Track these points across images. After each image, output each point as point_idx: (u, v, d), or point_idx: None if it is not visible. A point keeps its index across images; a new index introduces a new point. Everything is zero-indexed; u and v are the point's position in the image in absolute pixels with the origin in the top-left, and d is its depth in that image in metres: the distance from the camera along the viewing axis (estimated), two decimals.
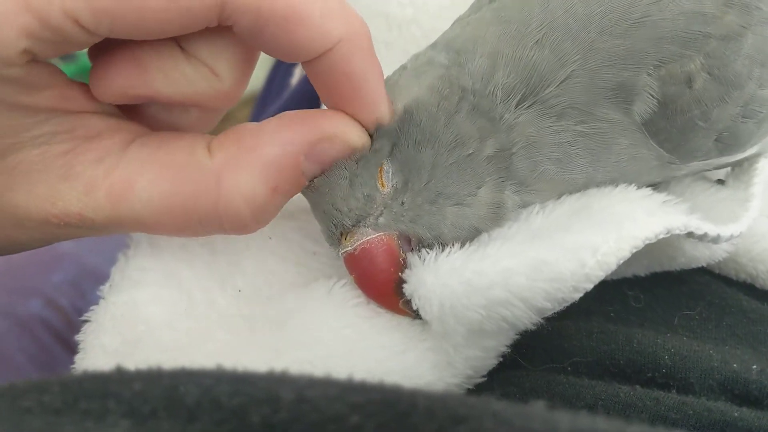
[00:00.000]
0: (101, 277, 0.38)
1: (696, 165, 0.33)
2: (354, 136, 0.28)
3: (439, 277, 0.28)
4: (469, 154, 0.30)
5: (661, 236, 0.28)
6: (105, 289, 0.32)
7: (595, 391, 0.29)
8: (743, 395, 0.30)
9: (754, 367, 0.31)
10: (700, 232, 0.29)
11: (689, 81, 0.30)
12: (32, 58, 0.24)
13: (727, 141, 0.32)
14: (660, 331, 0.32)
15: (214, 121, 0.31)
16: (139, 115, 0.30)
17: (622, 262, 0.26)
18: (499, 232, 0.31)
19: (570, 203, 0.32)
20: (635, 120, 0.30)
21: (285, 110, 0.28)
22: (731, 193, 0.34)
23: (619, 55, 0.29)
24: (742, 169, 0.36)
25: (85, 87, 0.28)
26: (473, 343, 0.30)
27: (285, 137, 0.27)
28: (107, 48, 0.26)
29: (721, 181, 0.37)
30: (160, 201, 0.26)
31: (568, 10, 0.30)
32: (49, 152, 0.27)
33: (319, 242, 0.35)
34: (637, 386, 0.30)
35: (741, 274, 0.37)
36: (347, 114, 0.28)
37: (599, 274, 0.26)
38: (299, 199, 0.32)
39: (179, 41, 0.26)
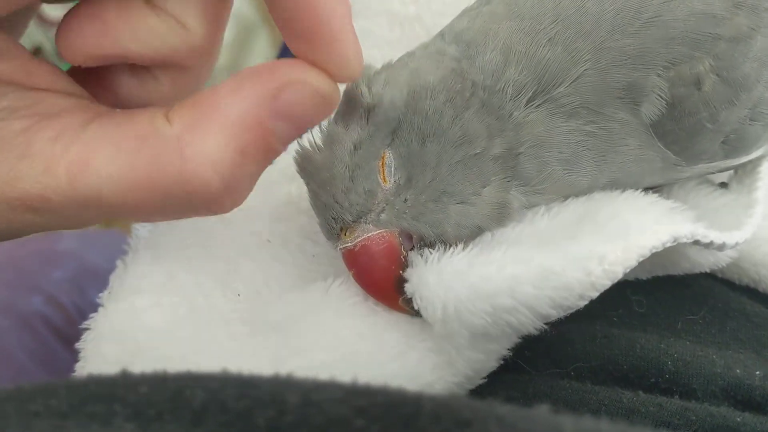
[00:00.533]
0: (101, 275, 0.38)
1: (701, 168, 0.33)
2: (320, 81, 0.25)
3: (442, 279, 0.28)
4: (476, 153, 0.30)
5: (668, 245, 0.27)
6: (104, 296, 0.32)
7: (598, 396, 0.29)
8: (746, 401, 0.30)
9: (758, 372, 0.31)
10: (706, 240, 0.29)
11: (698, 83, 0.30)
12: None
13: (734, 143, 0.32)
14: (663, 335, 0.32)
15: (189, 91, 0.29)
16: (110, 90, 0.28)
17: (628, 270, 0.26)
18: (503, 232, 0.31)
19: (575, 206, 0.31)
20: (643, 121, 0.30)
21: None
22: (734, 198, 0.34)
23: (630, 55, 0.29)
24: (745, 172, 0.36)
25: (48, 64, 0.26)
26: (476, 346, 0.30)
27: (244, 92, 0.24)
28: (73, 9, 0.25)
29: (723, 184, 0.37)
30: (119, 176, 0.24)
31: (581, 8, 0.30)
32: (6, 129, 0.25)
33: (318, 244, 0.35)
34: (640, 392, 0.30)
35: (744, 279, 0.37)
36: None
37: (605, 283, 0.26)
38: (298, 201, 0.32)
39: None
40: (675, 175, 0.33)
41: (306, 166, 0.30)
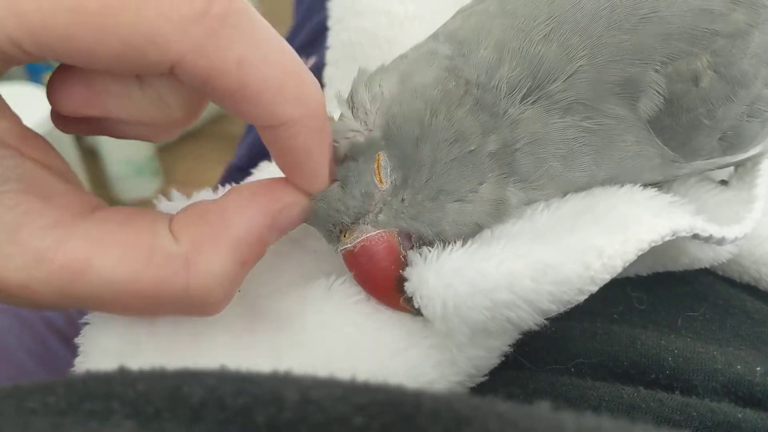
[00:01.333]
0: None
1: (699, 164, 0.33)
2: (305, 200, 0.29)
3: (441, 276, 0.28)
4: (471, 150, 0.30)
5: (667, 238, 0.27)
6: None
7: (598, 392, 0.29)
8: (747, 397, 0.30)
9: (758, 368, 0.31)
10: (705, 234, 0.29)
11: (696, 79, 0.30)
12: None
13: (732, 140, 0.32)
14: (664, 332, 0.32)
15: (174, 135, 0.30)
16: (96, 123, 0.28)
17: (627, 264, 0.26)
18: (503, 229, 0.31)
19: (574, 202, 0.31)
20: (641, 117, 0.30)
21: None
22: (735, 194, 0.34)
23: (627, 51, 0.29)
24: (745, 169, 0.36)
25: (41, 138, 0.26)
26: (477, 343, 0.30)
27: (250, 213, 0.27)
28: (64, 67, 0.25)
29: (724, 182, 0.37)
30: (122, 284, 0.24)
31: (576, 5, 0.30)
32: None
33: (319, 240, 0.35)
34: (641, 388, 0.30)
35: (744, 277, 0.37)
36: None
37: (605, 277, 0.26)
38: None
39: None
40: (673, 171, 0.33)
41: None
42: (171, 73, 0.23)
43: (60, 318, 0.59)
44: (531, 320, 0.27)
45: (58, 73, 0.25)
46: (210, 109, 1.75)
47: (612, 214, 0.29)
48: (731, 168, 0.37)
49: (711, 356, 0.31)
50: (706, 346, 0.31)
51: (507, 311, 0.27)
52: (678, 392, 0.30)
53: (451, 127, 0.29)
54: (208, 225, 0.26)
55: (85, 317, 0.30)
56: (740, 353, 0.32)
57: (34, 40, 0.22)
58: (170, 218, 0.27)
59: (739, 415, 0.29)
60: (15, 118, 0.25)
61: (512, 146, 0.30)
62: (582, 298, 0.27)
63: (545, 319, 0.28)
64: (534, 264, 0.27)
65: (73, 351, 0.30)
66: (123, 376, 0.21)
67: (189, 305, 0.26)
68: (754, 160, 0.35)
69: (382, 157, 0.29)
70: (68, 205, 0.25)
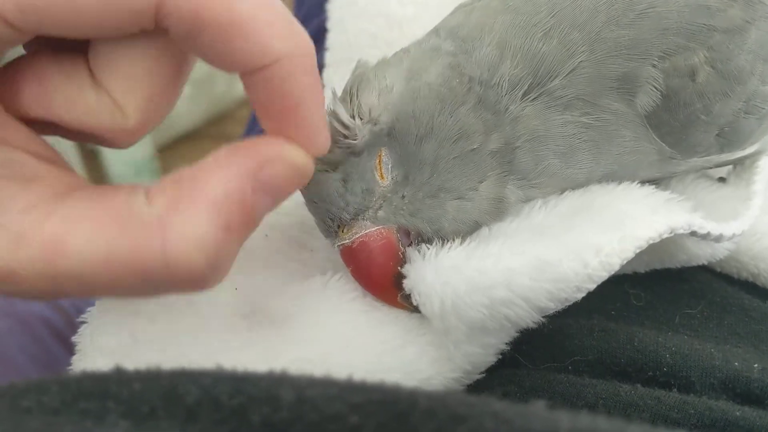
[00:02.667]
0: None
1: (697, 161, 0.33)
2: (296, 156, 0.26)
3: (440, 274, 0.28)
4: (473, 149, 0.30)
5: (665, 236, 0.27)
6: None
7: (596, 390, 0.29)
8: (744, 394, 0.30)
9: (756, 365, 0.31)
10: (703, 231, 0.29)
11: (693, 74, 0.30)
12: None
13: (729, 136, 0.32)
14: (661, 329, 0.32)
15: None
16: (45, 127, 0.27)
17: (625, 262, 0.26)
18: (500, 227, 0.31)
19: (572, 199, 0.31)
20: (638, 112, 0.30)
21: None
22: (733, 191, 0.34)
23: (625, 46, 0.29)
24: (743, 167, 0.36)
25: (24, 127, 0.26)
26: (474, 340, 0.30)
27: (226, 170, 0.25)
28: (18, 61, 0.25)
29: (722, 179, 0.37)
30: (99, 256, 0.23)
31: (576, 0, 0.30)
32: None
33: (316, 237, 0.35)
34: (638, 385, 0.30)
35: (743, 273, 0.37)
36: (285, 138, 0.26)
37: (602, 275, 0.26)
38: (296, 195, 0.32)
39: (93, 66, 0.25)
40: (671, 168, 0.33)
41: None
42: (156, 21, 0.23)
43: (59, 320, 0.59)
44: (529, 318, 0.27)
45: (11, 68, 0.25)
46: (209, 110, 1.75)
47: (609, 211, 0.29)
48: (729, 166, 0.37)
49: (708, 353, 0.31)
50: (704, 344, 0.31)
51: (505, 309, 0.27)
52: (675, 390, 0.30)
53: (455, 125, 0.29)
54: (183, 186, 0.24)
55: (83, 316, 0.30)
56: (738, 350, 0.32)
57: (16, 6, 0.21)
58: (148, 188, 0.25)
59: (737, 413, 0.29)
60: None
61: (513, 144, 0.30)
62: (580, 295, 0.27)
63: (542, 317, 0.28)
64: (532, 261, 0.27)
65: (73, 353, 0.30)
66: (118, 375, 0.21)
67: (172, 276, 0.24)
68: (753, 157, 0.35)
69: (384, 153, 0.29)
70: (50, 186, 0.25)
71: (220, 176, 0.24)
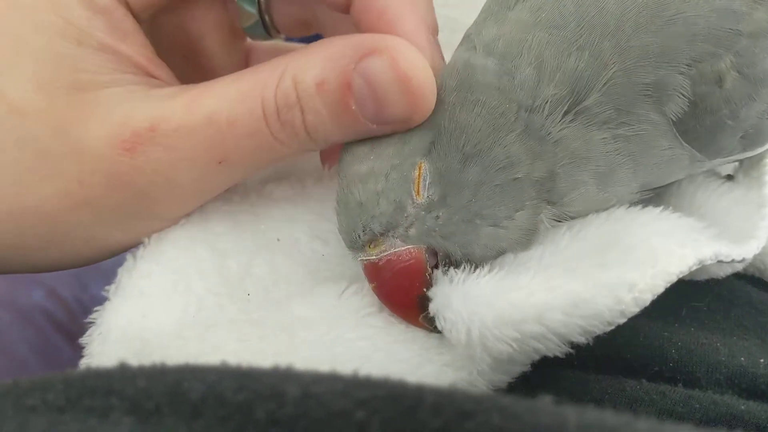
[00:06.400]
0: (103, 268, 0.38)
1: (719, 161, 0.33)
2: (404, 56, 0.27)
3: (467, 302, 0.27)
4: (517, 178, 0.29)
5: (694, 268, 0.27)
6: (111, 289, 0.32)
7: (601, 385, 0.29)
8: (750, 389, 0.30)
9: (762, 360, 0.31)
10: (728, 259, 0.28)
11: (720, 80, 0.29)
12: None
13: (752, 138, 0.32)
14: (667, 322, 0.32)
15: None
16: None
17: (656, 296, 0.26)
18: (526, 253, 0.30)
19: (597, 224, 0.30)
20: (668, 120, 0.30)
21: None
22: (744, 193, 0.33)
23: (654, 53, 0.29)
24: (750, 162, 0.35)
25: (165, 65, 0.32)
26: (498, 368, 0.29)
27: (335, 43, 0.28)
28: None
29: (729, 177, 0.36)
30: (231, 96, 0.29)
31: (602, 10, 0.29)
32: (125, 92, 0.30)
33: (327, 243, 0.34)
34: (644, 380, 0.30)
35: (749, 268, 0.36)
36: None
37: (634, 310, 0.26)
38: (307, 201, 0.32)
39: None
40: (695, 170, 0.33)
41: (347, 156, 0.30)
42: None
43: (61, 312, 0.59)
44: (557, 350, 0.27)
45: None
46: None
47: (640, 248, 0.28)
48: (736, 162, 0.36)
49: (714, 348, 0.31)
50: (710, 337, 0.31)
51: (535, 343, 0.26)
52: (681, 385, 0.30)
53: (502, 153, 0.29)
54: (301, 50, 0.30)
55: (90, 317, 0.30)
56: (744, 344, 0.32)
57: None
58: None
59: (742, 407, 0.29)
60: (146, 45, 0.31)
61: (554, 170, 0.30)
62: (609, 329, 0.26)
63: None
64: (565, 297, 0.26)
65: (74, 346, 0.30)
66: (123, 372, 0.20)
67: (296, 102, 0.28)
68: (759, 153, 0.35)
69: (424, 168, 0.29)
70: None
71: (327, 46, 0.29)
